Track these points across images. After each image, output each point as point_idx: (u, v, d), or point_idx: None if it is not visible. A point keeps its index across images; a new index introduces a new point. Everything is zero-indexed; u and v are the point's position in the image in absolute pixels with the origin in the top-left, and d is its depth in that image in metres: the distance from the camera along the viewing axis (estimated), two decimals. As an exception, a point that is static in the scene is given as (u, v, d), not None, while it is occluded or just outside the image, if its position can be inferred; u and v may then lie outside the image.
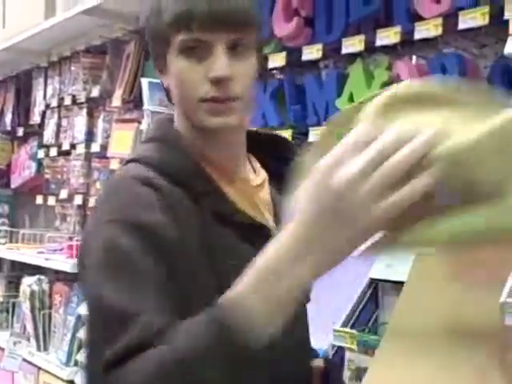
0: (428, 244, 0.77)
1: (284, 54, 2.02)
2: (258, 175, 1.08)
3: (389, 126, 0.70)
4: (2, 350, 3.24)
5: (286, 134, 1.93)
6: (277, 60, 2.03)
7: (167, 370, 0.74)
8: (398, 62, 1.79)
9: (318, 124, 1.93)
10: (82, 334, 2.68)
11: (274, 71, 2.14)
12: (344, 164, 0.68)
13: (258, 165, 1.10)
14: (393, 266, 1.67)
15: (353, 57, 1.90)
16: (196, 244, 0.92)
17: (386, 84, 1.71)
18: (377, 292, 1.75)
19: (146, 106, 2.28)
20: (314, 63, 2.05)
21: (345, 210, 0.69)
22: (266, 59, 2.02)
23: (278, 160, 1.08)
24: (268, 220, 1.03)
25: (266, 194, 1.07)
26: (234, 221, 0.97)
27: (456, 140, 0.70)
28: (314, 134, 1.89)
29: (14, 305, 3.43)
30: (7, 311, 3.53)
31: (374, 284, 1.75)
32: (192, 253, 0.91)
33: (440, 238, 0.73)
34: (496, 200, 0.72)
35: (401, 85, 0.78)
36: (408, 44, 1.78)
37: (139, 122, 2.73)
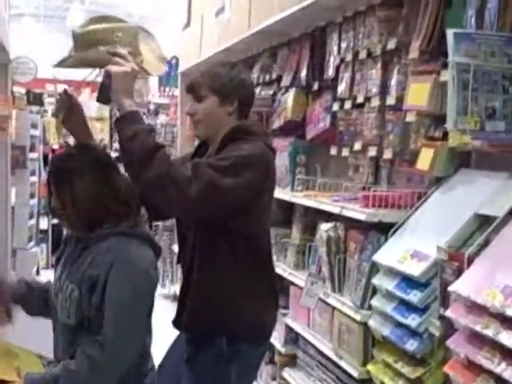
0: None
1: None
2: None
3: None
4: (300, 288, 3.54)
5: None
6: None
7: None
8: None
9: None
10: (376, 280, 2.80)
11: None
12: None
13: None
14: None
15: None
16: None
17: None
18: None
19: (451, 57, 2.23)
20: None
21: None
22: None
23: None
24: None
25: None
26: None
27: None
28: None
29: (309, 248, 3.69)
30: (303, 253, 3.82)
31: None
32: None
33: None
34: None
35: None
36: None
37: (437, 73, 2.69)
